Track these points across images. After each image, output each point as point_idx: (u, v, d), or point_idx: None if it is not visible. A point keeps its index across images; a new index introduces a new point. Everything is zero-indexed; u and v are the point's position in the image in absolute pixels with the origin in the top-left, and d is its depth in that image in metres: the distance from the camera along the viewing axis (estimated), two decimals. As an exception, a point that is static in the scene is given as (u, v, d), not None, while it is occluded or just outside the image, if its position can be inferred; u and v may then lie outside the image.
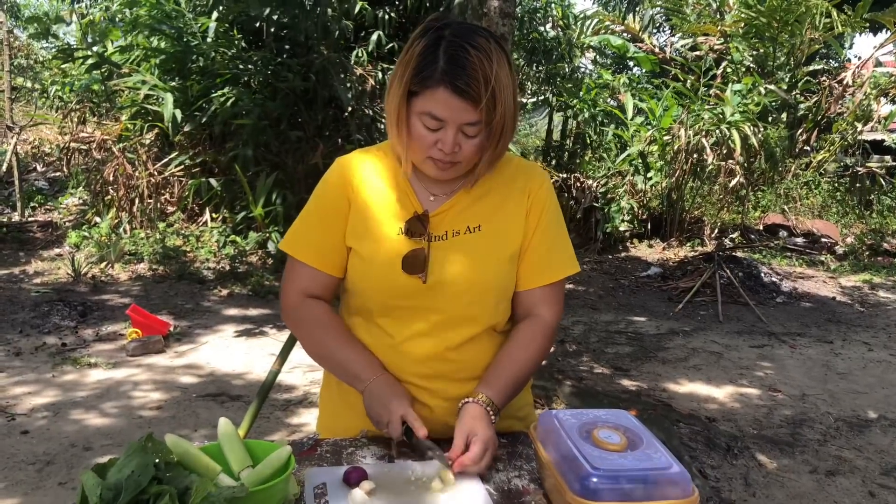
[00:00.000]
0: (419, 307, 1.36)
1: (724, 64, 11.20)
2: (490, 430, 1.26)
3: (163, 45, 8.23)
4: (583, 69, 12.84)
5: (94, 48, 8.72)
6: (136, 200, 8.01)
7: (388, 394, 1.31)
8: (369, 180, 1.40)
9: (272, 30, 8.02)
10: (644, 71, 12.50)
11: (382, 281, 1.35)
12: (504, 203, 1.39)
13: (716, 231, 9.98)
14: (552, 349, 5.21)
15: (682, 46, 12.47)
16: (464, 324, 1.37)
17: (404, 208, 1.37)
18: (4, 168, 9.46)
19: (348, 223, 1.39)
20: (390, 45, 8.18)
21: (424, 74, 1.21)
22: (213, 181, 7.97)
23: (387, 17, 8.21)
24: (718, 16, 11.52)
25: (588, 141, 11.24)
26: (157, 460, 1.01)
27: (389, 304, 1.37)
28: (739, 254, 8.55)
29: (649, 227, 10.12)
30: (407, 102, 1.25)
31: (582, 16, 11.98)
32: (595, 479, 1.04)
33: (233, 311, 5.90)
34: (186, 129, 7.96)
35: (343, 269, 1.42)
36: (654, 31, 14.42)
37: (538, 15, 11.01)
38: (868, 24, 11.08)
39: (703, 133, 9.24)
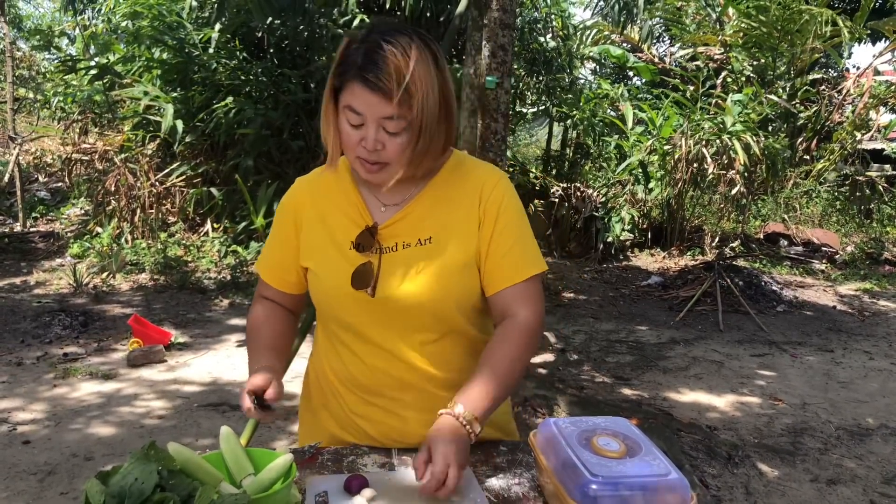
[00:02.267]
0: (372, 321, 1.36)
1: (723, 74, 11.26)
2: (448, 443, 1.18)
3: (165, 56, 8.27)
4: (582, 80, 12.88)
5: (97, 59, 8.77)
6: (138, 210, 8.04)
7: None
8: (321, 198, 1.42)
9: (273, 41, 8.06)
10: (644, 81, 12.55)
11: (334, 297, 1.37)
12: (455, 212, 1.37)
13: (716, 240, 9.99)
14: (551, 356, 5.21)
15: (681, 56, 12.53)
16: (417, 336, 1.36)
17: (356, 222, 1.37)
18: (7, 179, 9.49)
19: (301, 244, 1.42)
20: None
21: (343, 69, 1.23)
22: (214, 191, 8.00)
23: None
24: (718, 26, 11.58)
25: (588, 150, 11.27)
26: (159, 468, 1.02)
27: (346, 319, 1.38)
28: (740, 263, 8.56)
29: (650, 236, 10.13)
30: (335, 102, 1.27)
31: (582, 26, 12.04)
32: (594, 486, 1.05)
33: (234, 321, 5.91)
34: (188, 139, 7.99)
35: (299, 286, 1.47)
36: (654, 41, 14.49)
37: (538, 26, 11.06)
38: (869, 33, 11.15)
39: (704, 143, 9.27)
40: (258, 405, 1.28)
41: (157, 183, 8.20)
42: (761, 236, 10.59)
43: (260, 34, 8.01)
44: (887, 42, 11.53)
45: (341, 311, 1.38)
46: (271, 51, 8.19)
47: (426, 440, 1.20)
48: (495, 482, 1.27)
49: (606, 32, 12.51)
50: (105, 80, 8.23)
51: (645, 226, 10.16)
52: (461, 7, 4.20)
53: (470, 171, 1.40)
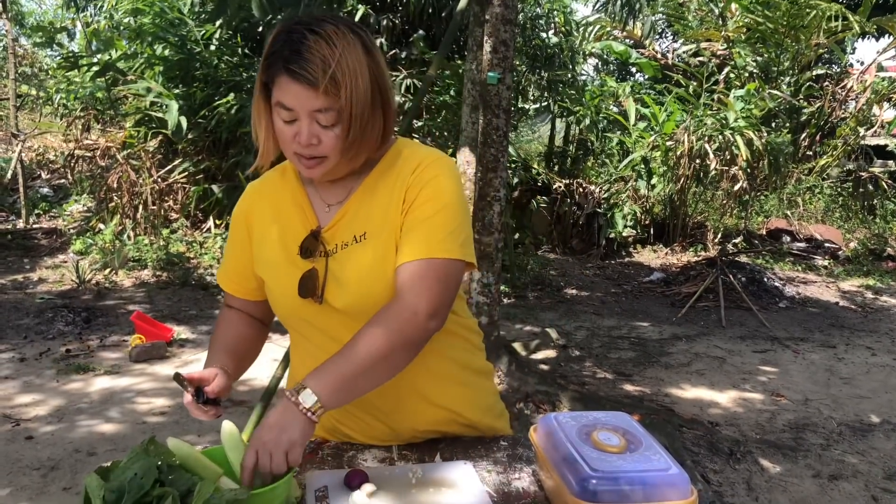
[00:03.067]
0: (324, 329, 1.33)
1: (726, 69, 11.23)
2: (261, 428, 1.12)
3: (167, 52, 8.28)
4: (584, 76, 12.86)
5: (99, 56, 8.77)
6: (140, 207, 8.04)
7: None
8: (270, 203, 1.39)
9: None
10: (646, 77, 12.53)
11: (285, 307, 1.35)
12: (386, 201, 1.29)
13: (719, 236, 9.98)
14: (553, 352, 5.21)
15: (684, 52, 12.50)
16: None
17: (303, 226, 1.33)
18: (9, 175, 9.50)
19: (253, 252, 1.39)
20: (392, 51, 8.21)
21: (269, 63, 1.19)
22: (215, 188, 8.01)
23: (389, 23, 8.24)
24: (721, 21, 11.55)
25: (591, 147, 11.26)
26: (159, 463, 1.02)
27: (300, 329, 1.37)
28: (742, 259, 8.54)
29: (652, 232, 10.12)
30: (267, 98, 1.23)
31: (584, 22, 12.01)
32: (594, 481, 1.05)
33: (236, 317, 5.91)
34: (190, 136, 7.99)
35: (261, 292, 1.42)
36: (657, 37, 14.46)
37: (540, 21, 11.03)
38: (876, 28, 11.12)
39: (706, 138, 9.26)
40: (198, 399, 1.24)
41: (159, 179, 8.20)
42: (764, 232, 10.57)
43: (261, 30, 8.00)
44: (891, 38, 11.49)
45: (295, 321, 1.36)
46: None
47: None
48: (496, 477, 1.27)
49: (609, 28, 12.48)
50: (107, 77, 8.23)
51: (647, 222, 10.15)
52: (463, 3, 4.19)
53: (407, 158, 1.31)
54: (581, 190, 9.74)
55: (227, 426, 1.21)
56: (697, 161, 9.39)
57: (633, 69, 13.85)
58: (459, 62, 7.95)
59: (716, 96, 10.30)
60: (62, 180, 10.22)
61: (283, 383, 2.63)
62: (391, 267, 1.26)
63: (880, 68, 11.67)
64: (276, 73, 1.18)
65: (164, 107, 7.87)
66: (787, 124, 11.32)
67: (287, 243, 1.33)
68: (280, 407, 1.13)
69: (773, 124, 10.92)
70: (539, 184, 9.81)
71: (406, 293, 1.21)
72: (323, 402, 1.12)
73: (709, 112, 9.69)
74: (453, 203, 1.27)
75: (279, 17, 7.42)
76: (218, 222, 8.17)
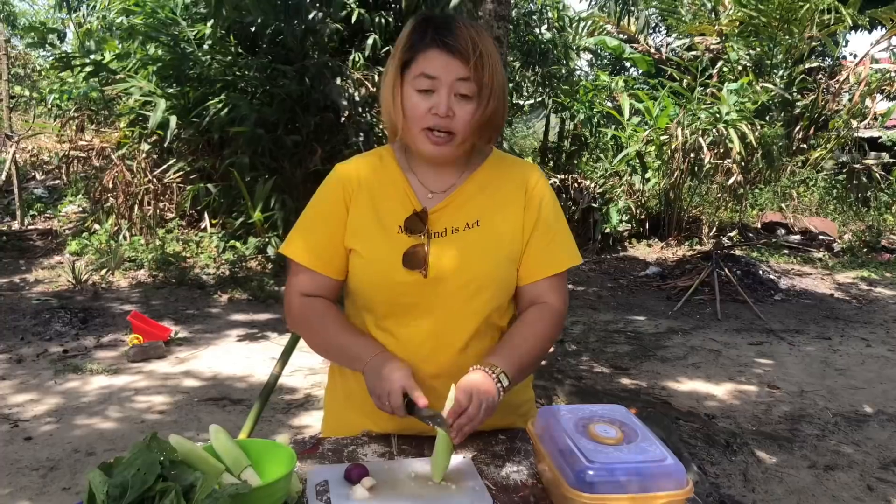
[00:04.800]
0: (420, 304, 1.37)
1: (720, 63, 11.25)
2: (489, 389, 1.26)
3: (159, 52, 8.25)
4: (579, 71, 12.88)
5: (92, 56, 8.74)
6: (136, 207, 8.03)
7: (387, 366, 1.30)
8: (367, 182, 1.43)
9: (267, 36, 8.03)
10: (640, 72, 12.56)
11: (384, 278, 1.37)
12: (501, 197, 1.43)
13: (714, 230, 10.01)
14: (559, 340, 5.23)
15: (678, 47, 12.53)
16: (465, 319, 1.38)
17: (403, 207, 1.39)
18: (3, 177, 9.47)
19: (348, 225, 1.41)
20: (386, 48, 8.20)
21: (415, 41, 1.31)
22: (211, 187, 7.99)
23: (382, 21, 8.23)
24: (714, 15, 11.57)
25: (585, 142, 11.27)
26: (161, 458, 1.03)
27: (391, 301, 1.39)
28: (737, 252, 8.57)
29: (647, 226, 10.15)
30: (402, 77, 1.32)
31: (577, 18, 12.02)
32: (591, 472, 1.06)
33: (233, 316, 5.92)
34: (184, 135, 7.97)
35: (343, 271, 1.43)
36: (651, 32, 14.47)
37: (534, 17, 11.04)
38: (868, 20, 11.15)
39: (700, 132, 9.28)
40: (408, 409, 1.26)
41: (154, 179, 8.19)
42: (759, 225, 10.60)
43: (254, 29, 7.98)
44: (884, 30, 11.52)
45: (389, 293, 1.38)
46: (266, 46, 8.16)
47: (463, 385, 1.25)
48: (494, 470, 1.29)
49: (602, 24, 12.49)
50: (100, 77, 8.20)
51: (643, 216, 10.18)
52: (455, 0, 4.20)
53: (513, 164, 1.49)
54: (576, 185, 9.76)
55: (215, 428, 1.23)
56: (692, 155, 9.42)
57: (627, 64, 13.87)
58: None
59: (709, 90, 10.32)
60: (57, 181, 10.19)
61: (282, 380, 2.64)
62: (502, 251, 1.40)
63: (873, 60, 11.70)
64: (425, 48, 1.29)
65: (155, 105, 7.85)
66: (781, 117, 11.35)
67: (384, 219, 1.40)
68: (489, 379, 1.27)
69: (767, 117, 10.95)
70: (534, 179, 9.81)
71: (550, 300, 1.44)
72: (510, 381, 1.31)
73: (702, 106, 9.71)
74: (563, 215, 1.50)
75: (273, 16, 7.43)
76: (213, 221, 8.17)
